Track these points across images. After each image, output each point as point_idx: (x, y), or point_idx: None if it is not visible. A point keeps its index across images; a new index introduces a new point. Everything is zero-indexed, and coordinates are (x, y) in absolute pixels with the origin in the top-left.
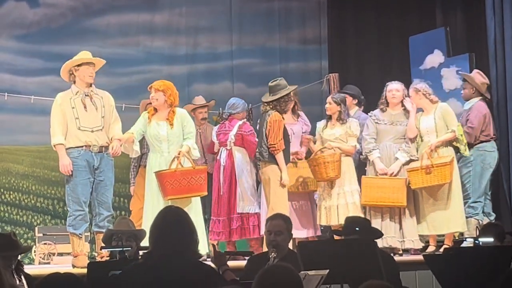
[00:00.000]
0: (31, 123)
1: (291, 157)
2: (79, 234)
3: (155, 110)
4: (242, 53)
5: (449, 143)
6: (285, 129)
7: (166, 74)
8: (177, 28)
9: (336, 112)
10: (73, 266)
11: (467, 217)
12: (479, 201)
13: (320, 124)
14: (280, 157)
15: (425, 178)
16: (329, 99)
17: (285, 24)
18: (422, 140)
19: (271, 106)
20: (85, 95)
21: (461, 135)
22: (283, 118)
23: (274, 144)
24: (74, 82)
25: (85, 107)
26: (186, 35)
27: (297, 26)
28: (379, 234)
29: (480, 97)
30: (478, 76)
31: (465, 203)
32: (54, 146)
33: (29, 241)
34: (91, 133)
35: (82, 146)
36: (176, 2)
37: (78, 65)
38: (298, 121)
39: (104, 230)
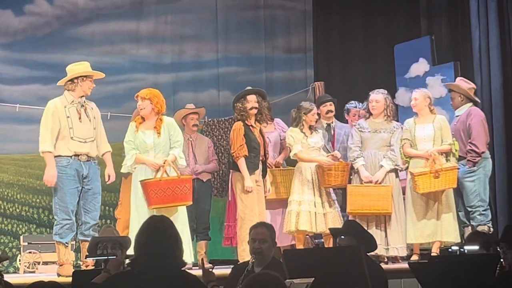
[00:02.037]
0: (16, 132)
1: (270, 164)
2: (66, 243)
3: (143, 119)
4: (228, 61)
5: (443, 154)
6: (250, 137)
7: (152, 82)
8: (162, 36)
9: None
10: (58, 275)
11: (479, 225)
12: (488, 208)
13: (297, 131)
14: (241, 163)
15: (433, 182)
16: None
17: (270, 32)
18: (416, 148)
19: (235, 117)
20: (81, 106)
21: (456, 150)
22: (253, 127)
23: (233, 152)
24: (69, 90)
25: (79, 117)
26: (172, 43)
27: (282, 34)
28: (373, 248)
29: (471, 103)
30: (462, 83)
31: (474, 212)
32: (42, 153)
33: (14, 250)
34: (83, 143)
35: (71, 156)
36: (161, 10)
37: (86, 76)
38: (275, 129)
39: (89, 239)
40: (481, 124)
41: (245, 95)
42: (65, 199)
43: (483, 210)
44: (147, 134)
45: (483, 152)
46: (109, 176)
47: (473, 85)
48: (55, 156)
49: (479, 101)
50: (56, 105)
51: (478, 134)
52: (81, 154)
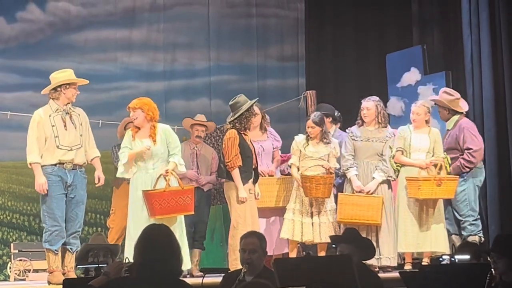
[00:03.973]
0: (7, 139)
1: (263, 173)
2: (55, 250)
3: (138, 128)
4: (220, 69)
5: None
6: (244, 146)
7: (144, 90)
8: (155, 44)
9: (319, 133)
10: (49, 283)
11: (469, 235)
12: (479, 218)
13: (300, 139)
14: (235, 174)
15: (434, 189)
16: (309, 123)
17: (263, 41)
18: (409, 156)
19: (231, 125)
20: (66, 113)
21: (449, 164)
22: (245, 134)
23: (228, 162)
24: (54, 99)
25: (65, 125)
26: (164, 51)
27: (275, 43)
28: (371, 256)
29: (459, 115)
30: (445, 96)
31: (464, 222)
32: (30, 164)
33: (4, 257)
34: (69, 151)
35: (55, 164)
36: (154, 18)
37: (69, 84)
38: (268, 137)
39: (69, 247)
40: (477, 135)
41: (253, 104)
42: (52, 206)
43: (473, 220)
44: (144, 143)
45: (476, 164)
46: (99, 179)
47: (456, 96)
48: (41, 166)
49: (463, 110)
50: (41, 115)
51: (477, 146)
52: (66, 162)
